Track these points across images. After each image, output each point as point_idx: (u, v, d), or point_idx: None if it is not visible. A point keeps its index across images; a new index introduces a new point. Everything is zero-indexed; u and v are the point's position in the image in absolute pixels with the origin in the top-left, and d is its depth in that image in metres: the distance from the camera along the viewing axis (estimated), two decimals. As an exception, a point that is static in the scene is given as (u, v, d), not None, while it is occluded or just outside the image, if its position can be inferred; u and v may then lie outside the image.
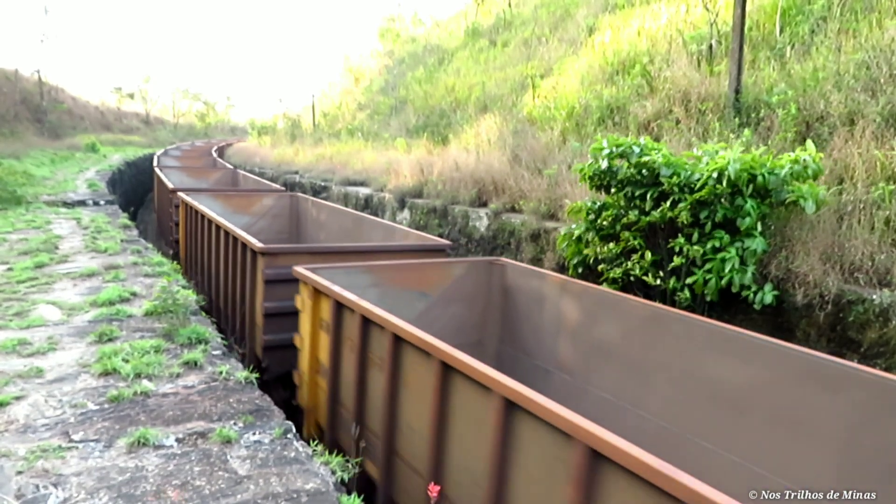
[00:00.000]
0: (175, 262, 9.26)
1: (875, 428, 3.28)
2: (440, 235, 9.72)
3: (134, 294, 6.56)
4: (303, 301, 5.12)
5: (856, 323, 4.95)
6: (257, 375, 4.72)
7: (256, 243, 6.39)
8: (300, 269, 5.13)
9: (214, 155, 28.22)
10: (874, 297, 4.88)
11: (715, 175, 5.48)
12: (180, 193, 10.95)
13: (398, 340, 3.86)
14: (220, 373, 4.56)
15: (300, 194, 11.97)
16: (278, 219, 11.18)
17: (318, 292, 4.91)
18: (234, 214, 10.18)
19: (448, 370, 3.39)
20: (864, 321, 4.91)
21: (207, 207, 9.21)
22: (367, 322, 4.23)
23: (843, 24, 8.78)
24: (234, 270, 7.22)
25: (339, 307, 4.61)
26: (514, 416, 2.93)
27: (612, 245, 6.44)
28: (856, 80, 7.31)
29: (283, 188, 13.72)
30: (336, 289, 4.64)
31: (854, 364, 3.56)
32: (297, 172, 21.10)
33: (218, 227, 7.95)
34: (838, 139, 6.70)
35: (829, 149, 6.62)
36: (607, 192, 6.56)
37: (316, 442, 3.80)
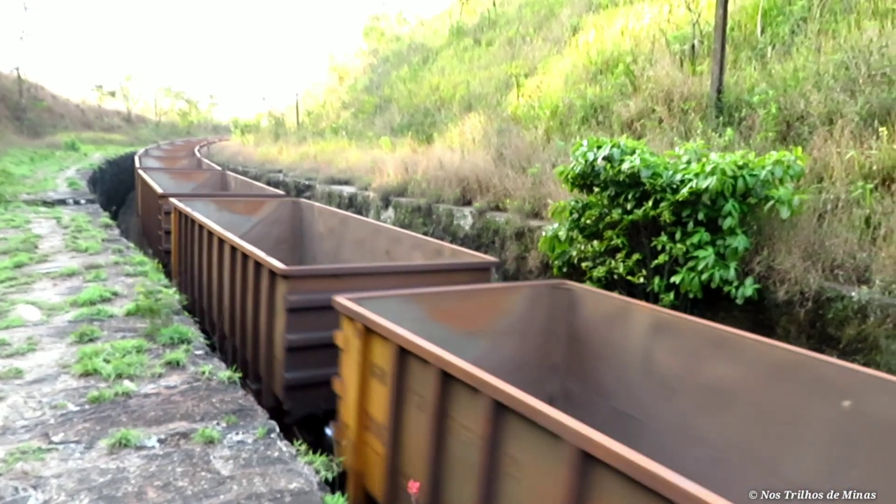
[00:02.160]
0: (159, 264, 8.64)
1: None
2: (424, 234, 9.69)
3: (115, 294, 6.49)
4: (346, 339, 4.14)
5: (835, 320, 5.02)
6: (241, 375, 4.69)
7: (278, 265, 5.40)
8: (342, 301, 4.15)
9: (199, 155, 27.93)
10: (853, 294, 4.94)
11: (695, 183, 5.49)
12: (173, 200, 9.79)
13: (497, 406, 2.96)
14: (203, 373, 4.52)
15: (303, 200, 11.09)
16: (277, 226, 10.20)
17: (370, 332, 3.93)
18: (229, 222, 9.14)
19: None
20: (843, 318, 4.97)
21: (200, 213, 8.46)
22: (447, 378, 3.30)
23: (822, 25, 8.89)
24: (245, 293, 6.31)
25: (404, 353, 3.65)
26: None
27: (595, 243, 6.46)
28: (835, 81, 7.40)
29: (283, 193, 12.58)
30: (401, 331, 3.67)
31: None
32: (280, 171, 21.00)
33: (222, 241, 7.03)
34: (818, 138, 6.78)
35: (809, 148, 6.70)
36: (590, 191, 6.58)
37: (300, 442, 3.78)
